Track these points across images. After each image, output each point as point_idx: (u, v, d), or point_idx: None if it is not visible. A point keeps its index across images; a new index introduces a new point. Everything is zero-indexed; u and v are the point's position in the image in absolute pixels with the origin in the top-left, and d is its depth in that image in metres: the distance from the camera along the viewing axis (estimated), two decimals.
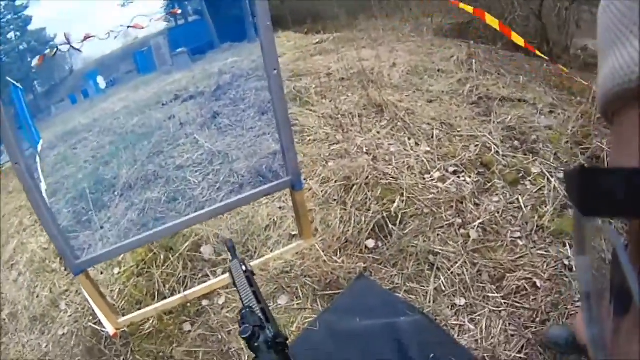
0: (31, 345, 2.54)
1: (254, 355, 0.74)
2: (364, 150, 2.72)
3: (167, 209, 2.67)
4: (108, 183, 3.45)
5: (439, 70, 3.95)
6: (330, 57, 4.35)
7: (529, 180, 2.86)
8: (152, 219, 2.59)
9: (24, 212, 4.33)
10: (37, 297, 2.86)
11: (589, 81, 4.40)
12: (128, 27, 2.89)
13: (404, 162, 2.66)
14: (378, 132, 2.88)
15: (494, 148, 3.02)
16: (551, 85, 4.39)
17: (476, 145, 3.02)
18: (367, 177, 2.50)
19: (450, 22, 6.40)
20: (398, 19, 7.21)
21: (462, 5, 2.98)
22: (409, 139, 2.84)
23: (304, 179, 2.56)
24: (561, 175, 2.92)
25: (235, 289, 0.94)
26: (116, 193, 3.21)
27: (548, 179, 2.86)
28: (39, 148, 7.24)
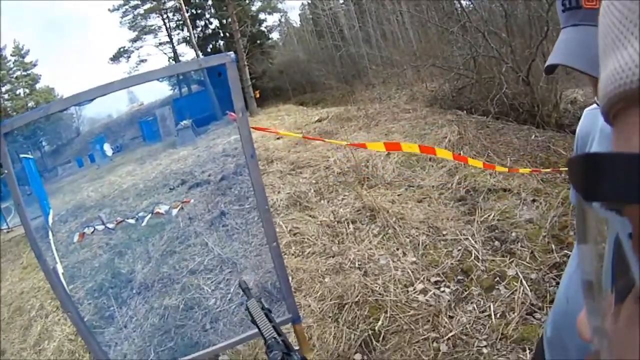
0: None
1: None
2: (357, 265, 3.08)
3: (185, 317, 3.03)
4: (125, 278, 3.83)
5: (430, 159, 4.30)
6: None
7: (504, 285, 3.19)
8: (173, 326, 2.96)
9: (44, 295, 4.56)
10: None
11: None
12: None
13: (391, 275, 3.03)
14: (370, 242, 3.25)
15: (474, 253, 3.35)
16: (538, 163, 4.69)
17: (459, 250, 3.37)
18: (357, 295, 2.85)
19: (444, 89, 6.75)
20: (394, 85, 7.50)
21: (440, 153, 3.30)
22: (397, 249, 3.20)
23: (303, 296, 2.92)
24: (534, 276, 3.24)
25: (255, 326, 1.00)
26: (134, 291, 3.58)
27: (521, 281, 3.17)
28: (50, 220, 7.61)
